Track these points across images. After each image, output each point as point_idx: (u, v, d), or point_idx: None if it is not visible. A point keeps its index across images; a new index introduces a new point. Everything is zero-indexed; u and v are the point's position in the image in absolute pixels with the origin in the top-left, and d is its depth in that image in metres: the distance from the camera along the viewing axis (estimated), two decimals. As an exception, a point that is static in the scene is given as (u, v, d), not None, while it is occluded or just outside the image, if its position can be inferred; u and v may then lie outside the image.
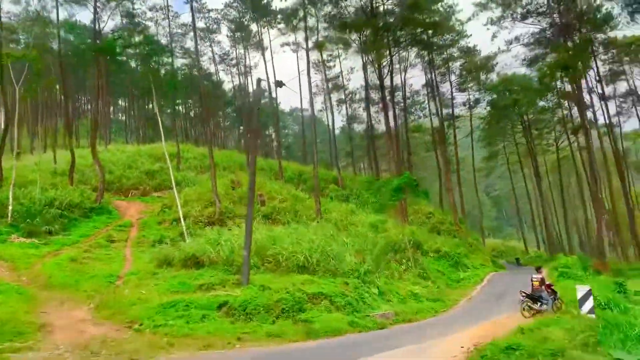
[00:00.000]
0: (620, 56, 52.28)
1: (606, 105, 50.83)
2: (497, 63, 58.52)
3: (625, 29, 46.51)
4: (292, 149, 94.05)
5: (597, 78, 50.67)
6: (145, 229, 29.64)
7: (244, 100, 70.52)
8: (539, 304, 15.99)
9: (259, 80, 18.15)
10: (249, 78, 69.91)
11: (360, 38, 54.24)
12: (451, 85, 60.26)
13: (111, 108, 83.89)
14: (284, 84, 16.75)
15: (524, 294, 16.37)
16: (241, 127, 79.55)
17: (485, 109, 62.88)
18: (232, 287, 16.90)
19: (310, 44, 46.63)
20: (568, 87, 56.27)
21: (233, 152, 63.63)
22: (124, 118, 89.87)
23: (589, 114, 47.12)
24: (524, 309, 15.98)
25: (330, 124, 65.44)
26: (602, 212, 36.88)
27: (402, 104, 59.79)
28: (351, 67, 66.02)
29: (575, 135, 57.30)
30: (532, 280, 16.74)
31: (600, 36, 46.58)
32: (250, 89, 68.86)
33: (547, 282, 16.95)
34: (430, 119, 61.50)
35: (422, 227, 39.08)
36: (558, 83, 56.99)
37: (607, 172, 46.03)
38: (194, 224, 28.88)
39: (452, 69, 60.04)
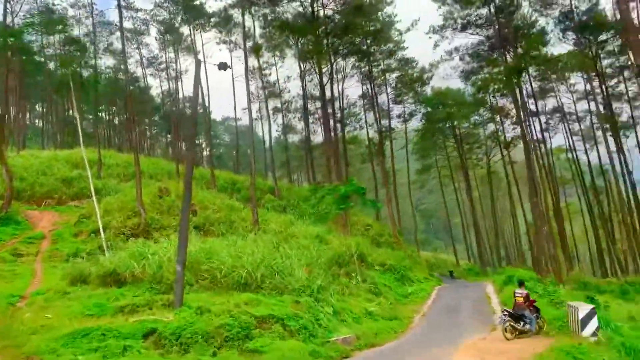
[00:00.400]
0: (549, 73, 53.90)
1: (539, 121, 52.17)
2: (432, 76, 58.91)
3: (557, 46, 47.99)
4: (223, 158, 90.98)
5: (530, 94, 51.86)
6: (59, 241, 26.50)
7: (174, 106, 66.72)
8: (521, 323, 14.40)
9: (198, 62, 15.68)
10: (180, 83, 66.39)
11: (297, 45, 52.61)
12: (387, 97, 59.96)
13: (27, 114, 76.81)
14: (229, 67, 14.55)
15: (505, 312, 14.68)
16: (169, 135, 75.37)
17: (420, 121, 63.22)
18: (161, 310, 14.15)
19: (247, 47, 44.31)
20: (500, 102, 58.12)
21: (160, 160, 59.89)
22: (41, 124, 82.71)
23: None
24: (505, 329, 14.25)
25: (267, 132, 63.33)
26: (542, 223, 36.96)
27: (338, 115, 58.58)
28: (287, 76, 64.10)
29: (507, 150, 58.73)
30: (515, 296, 15.12)
31: (533, 52, 47.64)
32: (181, 95, 65.45)
33: (530, 299, 15.28)
34: (367, 130, 60.96)
35: (364, 239, 37.53)
36: (491, 98, 58.43)
37: (542, 187, 46.88)
38: (115, 235, 25.91)
39: (388, 80, 59.70)
